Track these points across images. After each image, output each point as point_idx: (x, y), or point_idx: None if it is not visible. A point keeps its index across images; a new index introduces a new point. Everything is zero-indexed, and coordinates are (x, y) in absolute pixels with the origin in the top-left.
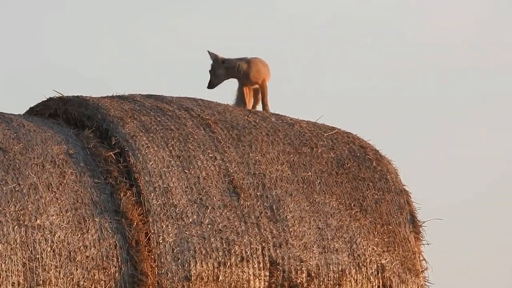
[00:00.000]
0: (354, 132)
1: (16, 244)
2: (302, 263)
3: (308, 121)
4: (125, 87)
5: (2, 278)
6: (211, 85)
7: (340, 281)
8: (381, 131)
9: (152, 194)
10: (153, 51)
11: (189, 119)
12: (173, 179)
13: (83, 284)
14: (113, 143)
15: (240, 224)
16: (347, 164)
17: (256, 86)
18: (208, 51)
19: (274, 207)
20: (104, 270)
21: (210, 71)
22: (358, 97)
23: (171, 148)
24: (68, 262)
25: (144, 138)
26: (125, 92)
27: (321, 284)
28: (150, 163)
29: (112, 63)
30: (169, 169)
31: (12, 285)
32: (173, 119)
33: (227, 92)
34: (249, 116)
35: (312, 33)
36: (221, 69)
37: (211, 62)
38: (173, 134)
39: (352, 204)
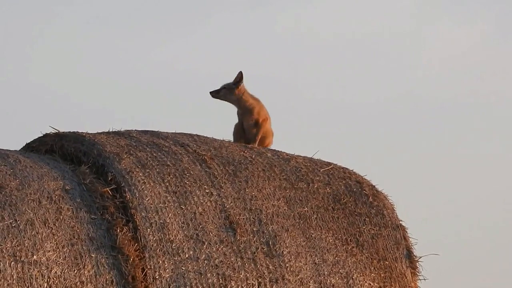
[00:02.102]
0: (350, 168)
1: (13, 280)
2: None
3: (304, 156)
4: (122, 122)
5: None
6: (215, 94)
7: None
8: (377, 166)
9: (149, 229)
10: (151, 84)
11: (185, 155)
12: (170, 214)
13: None
14: (109, 178)
15: (236, 260)
16: (344, 200)
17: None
18: (241, 72)
19: (270, 243)
20: None
21: (224, 85)
22: (355, 132)
23: (167, 184)
24: None
25: (140, 174)
26: (121, 128)
27: None
28: (147, 199)
29: (112, 97)
30: (166, 205)
31: None
32: (169, 155)
33: (224, 127)
34: (245, 151)
35: (306, 70)
36: (233, 91)
37: (232, 81)
38: (169, 170)
39: (349, 240)
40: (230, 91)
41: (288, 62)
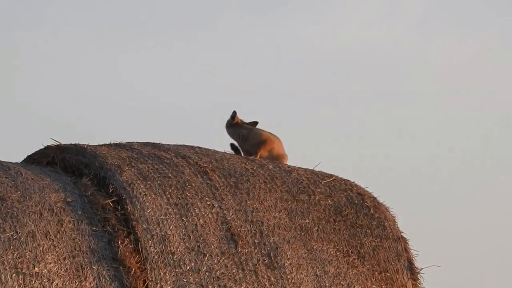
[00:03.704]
0: (351, 180)
1: None
2: None
3: (305, 168)
4: (123, 135)
5: None
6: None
7: None
8: (378, 178)
9: (150, 241)
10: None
11: (186, 167)
12: (171, 226)
13: None
14: (110, 191)
15: (237, 272)
16: (345, 211)
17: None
18: (235, 112)
19: (271, 255)
20: None
21: (230, 121)
22: (356, 144)
23: (168, 196)
24: None
25: (141, 186)
26: (122, 140)
27: None
28: (148, 211)
29: (110, 111)
30: (167, 217)
31: None
32: (170, 167)
33: (225, 139)
34: (247, 163)
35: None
36: (230, 129)
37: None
38: (170, 182)
39: (350, 251)
40: (228, 125)
41: (291, 72)
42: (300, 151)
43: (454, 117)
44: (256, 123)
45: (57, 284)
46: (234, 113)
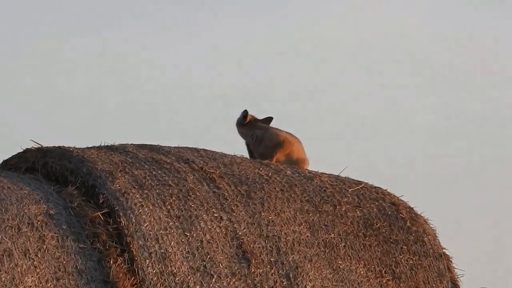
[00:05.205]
0: (384, 187)
1: None
2: None
3: (329, 174)
4: (116, 136)
5: None
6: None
7: None
8: (415, 185)
9: (147, 260)
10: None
11: (190, 173)
12: (172, 243)
13: None
14: (100, 201)
15: None
16: (377, 224)
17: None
18: (246, 112)
19: (291, 275)
20: None
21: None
22: (387, 146)
23: (169, 207)
24: None
25: (137, 196)
26: (115, 142)
27: None
28: (145, 225)
29: (100, 107)
30: (167, 232)
31: None
32: (171, 173)
33: (235, 142)
34: (261, 169)
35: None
36: (242, 129)
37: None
38: (171, 191)
39: (383, 271)
40: (239, 124)
41: (309, 70)
42: (323, 154)
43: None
44: (270, 119)
45: None
46: (246, 112)
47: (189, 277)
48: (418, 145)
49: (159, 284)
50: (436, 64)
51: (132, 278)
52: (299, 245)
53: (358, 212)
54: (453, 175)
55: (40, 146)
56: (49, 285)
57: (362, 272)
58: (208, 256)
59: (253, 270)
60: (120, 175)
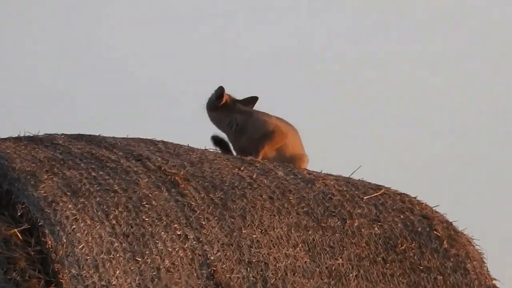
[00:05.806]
0: (412, 194)
1: None
2: None
3: (337, 176)
4: (42, 123)
5: None
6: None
7: None
8: (455, 193)
9: None
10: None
11: (143, 174)
12: (117, 272)
13: None
14: (19, 214)
15: None
16: (402, 246)
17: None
18: (222, 89)
19: None
20: None
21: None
22: (414, 141)
23: (114, 222)
24: None
25: (70, 206)
26: (39, 131)
27: None
28: (80, 247)
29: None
30: (111, 256)
31: None
32: (117, 174)
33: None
34: (242, 168)
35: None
36: (214, 113)
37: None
38: (117, 199)
39: None
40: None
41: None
42: (329, 151)
43: None
44: (255, 99)
45: None
46: (221, 89)
47: None
48: (463, 142)
49: None
50: None
51: None
52: (294, 274)
53: (376, 229)
54: (505, 182)
55: None
56: None
57: None
58: None
59: None
60: (46, 177)
